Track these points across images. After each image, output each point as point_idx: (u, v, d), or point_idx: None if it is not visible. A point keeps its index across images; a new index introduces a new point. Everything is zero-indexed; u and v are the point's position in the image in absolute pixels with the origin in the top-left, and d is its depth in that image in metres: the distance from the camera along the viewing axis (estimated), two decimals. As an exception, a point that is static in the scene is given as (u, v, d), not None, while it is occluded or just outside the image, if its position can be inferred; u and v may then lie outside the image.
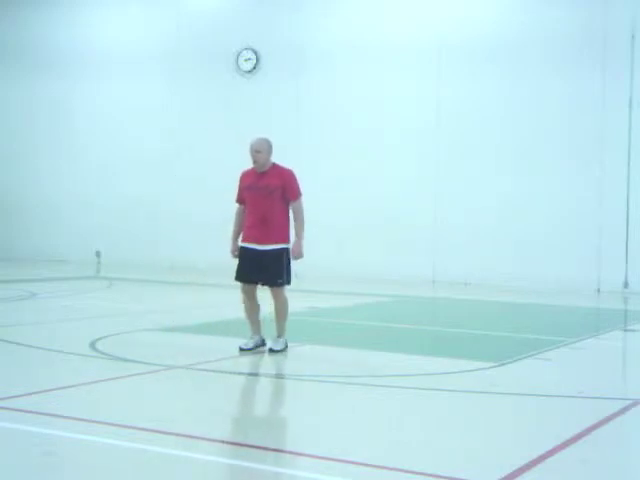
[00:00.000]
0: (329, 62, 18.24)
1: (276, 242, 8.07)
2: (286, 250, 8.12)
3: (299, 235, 8.17)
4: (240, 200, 8.33)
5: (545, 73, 16.34)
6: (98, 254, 20.50)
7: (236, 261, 8.29)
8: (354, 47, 17.96)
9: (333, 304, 13.07)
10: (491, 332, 10.55)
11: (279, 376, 7.31)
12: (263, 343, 8.31)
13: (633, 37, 15.71)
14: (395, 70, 17.67)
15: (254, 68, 18.97)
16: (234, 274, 8.24)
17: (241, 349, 8.16)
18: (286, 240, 8.16)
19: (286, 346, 8.30)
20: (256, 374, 7.29)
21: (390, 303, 13.73)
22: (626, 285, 15.70)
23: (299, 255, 8.14)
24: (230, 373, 7.37)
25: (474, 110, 16.98)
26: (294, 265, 8.30)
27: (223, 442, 5.23)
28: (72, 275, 17.29)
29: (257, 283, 8.20)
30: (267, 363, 7.91)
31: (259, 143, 8.17)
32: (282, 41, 18.66)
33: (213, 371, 7.36)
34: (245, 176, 8.32)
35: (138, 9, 20.42)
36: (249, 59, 18.99)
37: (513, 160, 16.66)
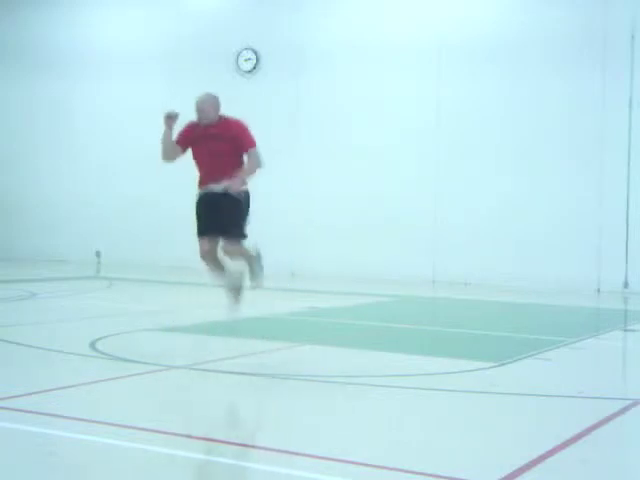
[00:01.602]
0: (329, 62, 18.24)
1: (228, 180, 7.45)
2: (245, 195, 7.52)
3: (243, 173, 7.51)
4: (177, 141, 7.81)
5: (545, 73, 16.35)
6: (98, 254, 20.50)
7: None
8: (354, 47, 17.97)
9: (333, 304, 13.07)
10: (491, 332, 10.55)
11: (279, 376, 7.30)
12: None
13: (633, 37, 15.71)
14: (395, 70, 17.67)
15: (254, 68, 18.97)
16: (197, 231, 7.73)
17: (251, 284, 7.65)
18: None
19: (258, 255, 7.64)
20: (256, 374, 7.28)
21: (390, 303, 13.73)
22: (626, 285, 15.70)
23: (236, 185, 7.43)
24: (230, 373, 7.37)
25: (474, 110, 16.98)
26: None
27: (209, 440, 5.23)
28: (72, 275, 17.29)
29: (218, 233, 7.53)
30: (267, 363, 7.90)
31: (205, 100, 7.72)
32: (282, 41, 18.66)
33: (213, 371, 7.36)
34: (190, 127, 7.77)
35: (138, 9, 20.42)
36: (249, 59, 18.99)
37: (513, 160, 16.66)
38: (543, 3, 16.55)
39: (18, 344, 8.45)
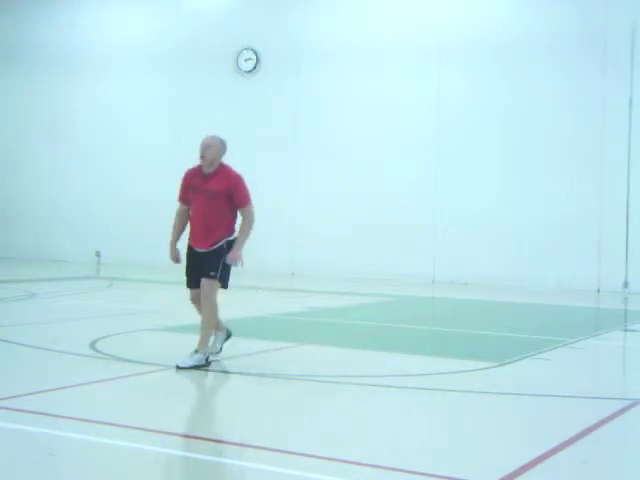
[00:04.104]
0: (329, 62, 18.24)
1: (216, 242, 7.44)
2: (226, 244, 7.44)
3: (239, 240, 7.48)
4: (182, 199, 7.74)
5: (545, 73, 16.35)
6: (98, 254, 20.49)
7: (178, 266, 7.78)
8: (354, 47, 17.97)
9: (333, 304, 13.07)
10: (491, 332, 10.55)
11: (279, 376, 7.30)
12: (228, 336, 7.86)
13: (633, 37, 15.71)
14: (395, 70, 17.67)
15: (254, 68, 18.97)
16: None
17: (212, 354, 7.54)
18: (228, 236, 7.48)
19: (204, 364, 7.29)
20: (256, 374, 7.28)
21: (390, 303, 13.73)
22: (626, 285, 15.70)
23: (234, 259, 7.41)
24: (230, 373, 7.37)
25: (474, 110, 16.98)
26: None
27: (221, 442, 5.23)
28: (72, 275, 17.28)
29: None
30: (267, 363, 7.89)
31: (211, 138, 7.63)
32: (282, 41, 18.66)
33: (213, 371, 7.35)
34: (189, 176, 7.67)
35: (138, 9, 20.43)
36: (249, 59, 19.00)
37: (513, 160, 16.66)
38: (543, 3, 16.55)
39: (18, 344, 8.44)
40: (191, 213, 7.68)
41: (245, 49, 19.01)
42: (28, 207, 21.70)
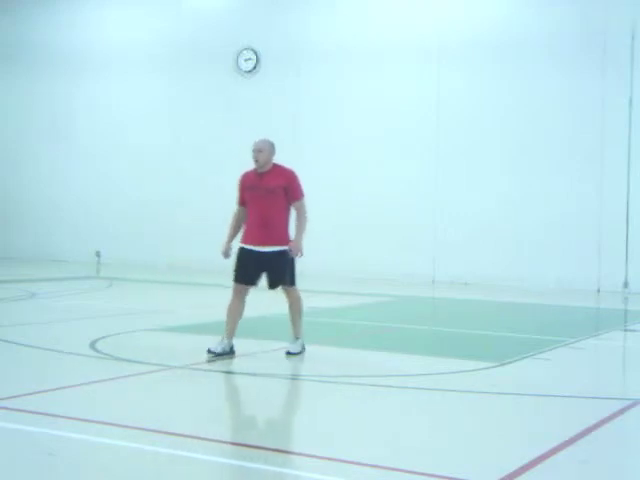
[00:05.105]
0: (329, 62, 18.24)
1: (276, 244, 7.98)
2: (287, 251, 8.03)
3: (299, 233, 8.07)
4: (241, 202, 8.21)
5: (545, 73, 16.35)
6: (98, 254, 20.49)
7: (228, 261, 8.22)
8: (354, 47, 17.97)
9: (333, 304, 13.07)
10: (491, 332, 10.55)
11: (279, 376, 7.30)
12: (232, 350, 8.01)
13: (633, 37, 15.71)
14: (395, 70, 17.67)
15: (254, 68, 18.97)
16: (233, 275, 8.08)
17: (209, 351, 7.84)
18: (286, 242, 8.05)
19: (303, 349, 8.20)
20: (256, 374, 7.28)
21: (390, 303, 13.73)
22: (626, 285, 15.70)
23: (297, 251, 8.01)
24: (230, 373, 7.37)
25: (474, 110, 16.98)
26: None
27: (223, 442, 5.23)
28: (72, 275, 17.28)
29: (254, 284, 8.12)
30: (267, 363, 7.90)
31: (262, 143, 8.17)
32: (282, 41, 18.66)
33: (213, 371, 7.36)
34: (245, 177, 8.23)
35: (138, 9, 20.42)
36: (249, 59, 19.00)
37: (513, 160, 16.66)
38: (543, 3, 16.55)
39: (18, 344, 8.45)
40: (248, 212, 8.11)
41: (245, 49, 19.01)
42: (28, 207, 21.70)
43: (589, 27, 15.98)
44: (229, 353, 7.96)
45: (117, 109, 20.51)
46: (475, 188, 16.94)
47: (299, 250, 8.03)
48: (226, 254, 8.17)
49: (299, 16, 18.60)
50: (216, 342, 7.96)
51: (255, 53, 18.94)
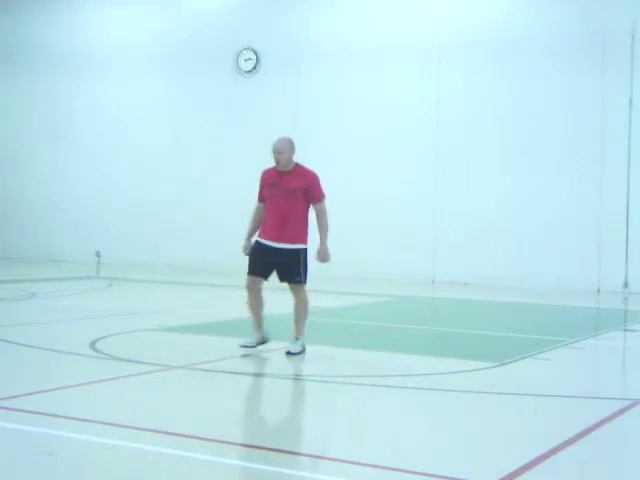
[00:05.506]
0: (329, 62, 18.24)
1: (293, 242, 8.01)
2: (303, 250, 8.05)
3: (323, 239, 8.11)
4: (261, 198, 8.22)
5: (545, 73, 16.35)
6: (98, 254, 20.49)
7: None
8: (354, 47, 17.97)
9: (333, 304, 13.06)
10: (491, 332, 10.56)
11: (279, 376, 7.30)
12: (264, 341, 8.24)
13: (633, 37, 15.71)
14: (395, 70, 17.67)
15: (254, 68, 18.97)
16: (247, 269, 8.13)
17: (243, 346, 8.10)
18: (303, 241, 8.07)
19: (304, 349, 8.18)
20: (256, 374, 7.28)
21: (390, 303, 13.73)
22: (626, 285, 15.70)
23: (325, 259, 8.09)
24: (230, 373, 7.37)
25: (474, 110, 16.98)
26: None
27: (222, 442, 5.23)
28: (72, 275, 17.28)
29: (265, 278, 8.13)
30: (267, 363, 7.90)
31: (281, 144, 8.06)
32: (282, 41, 18.66)
33: (213, 371, 7.36)
34: (266, 174, 8.21)
35: (138, 9, 20.42)
36: (249, 59, 19.00)
37: (513, 160, 16.66)
38: (543, 3, 16.55)
39: (18, 344, 8.44)
40: (266, 209, 8.10)
41: (245, 49, 19.01)
42: (28, 207, 21.69)
43: (589, 27, 15.98)
44: (263, 342, 8.22)
45: (117, 109, 20.51)
46: (475, 188, 16.94)
47: (327, 255, 8.11)
48: (246, 250, 8.20)
49: (299, 16, 18.60)
50: (246, 338, 8.15)
51: (255, 53, 18.93)
